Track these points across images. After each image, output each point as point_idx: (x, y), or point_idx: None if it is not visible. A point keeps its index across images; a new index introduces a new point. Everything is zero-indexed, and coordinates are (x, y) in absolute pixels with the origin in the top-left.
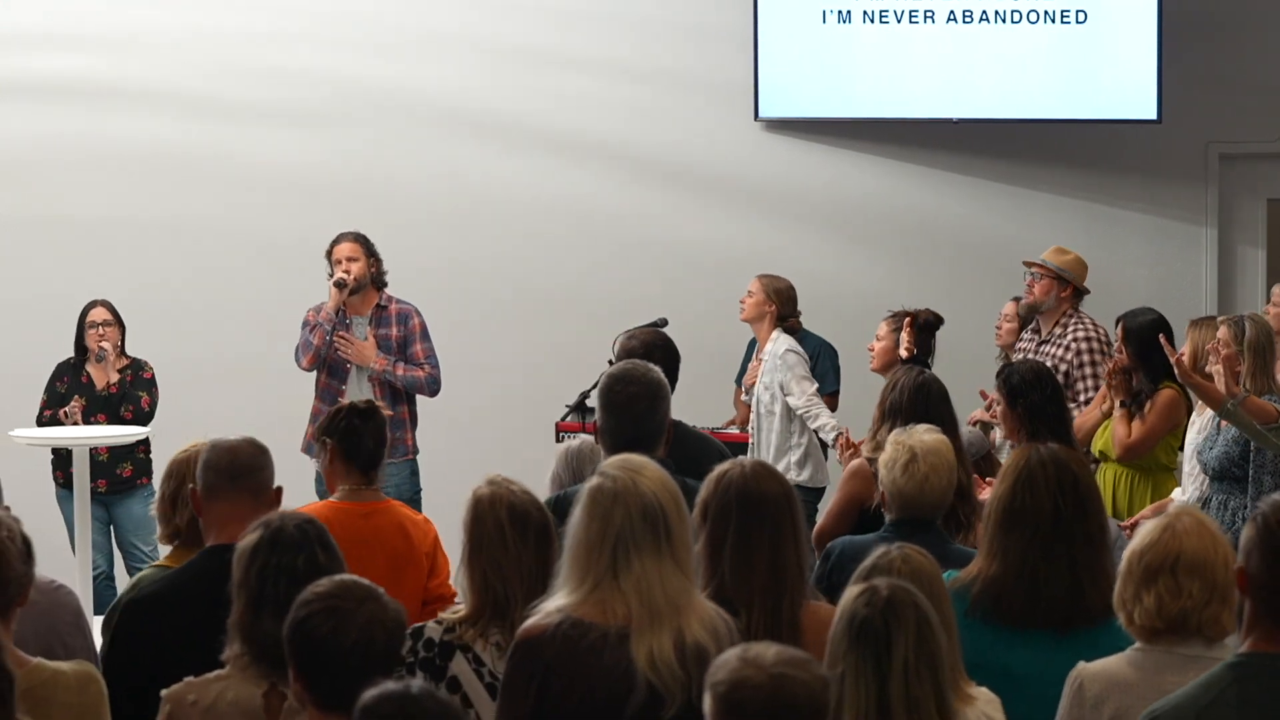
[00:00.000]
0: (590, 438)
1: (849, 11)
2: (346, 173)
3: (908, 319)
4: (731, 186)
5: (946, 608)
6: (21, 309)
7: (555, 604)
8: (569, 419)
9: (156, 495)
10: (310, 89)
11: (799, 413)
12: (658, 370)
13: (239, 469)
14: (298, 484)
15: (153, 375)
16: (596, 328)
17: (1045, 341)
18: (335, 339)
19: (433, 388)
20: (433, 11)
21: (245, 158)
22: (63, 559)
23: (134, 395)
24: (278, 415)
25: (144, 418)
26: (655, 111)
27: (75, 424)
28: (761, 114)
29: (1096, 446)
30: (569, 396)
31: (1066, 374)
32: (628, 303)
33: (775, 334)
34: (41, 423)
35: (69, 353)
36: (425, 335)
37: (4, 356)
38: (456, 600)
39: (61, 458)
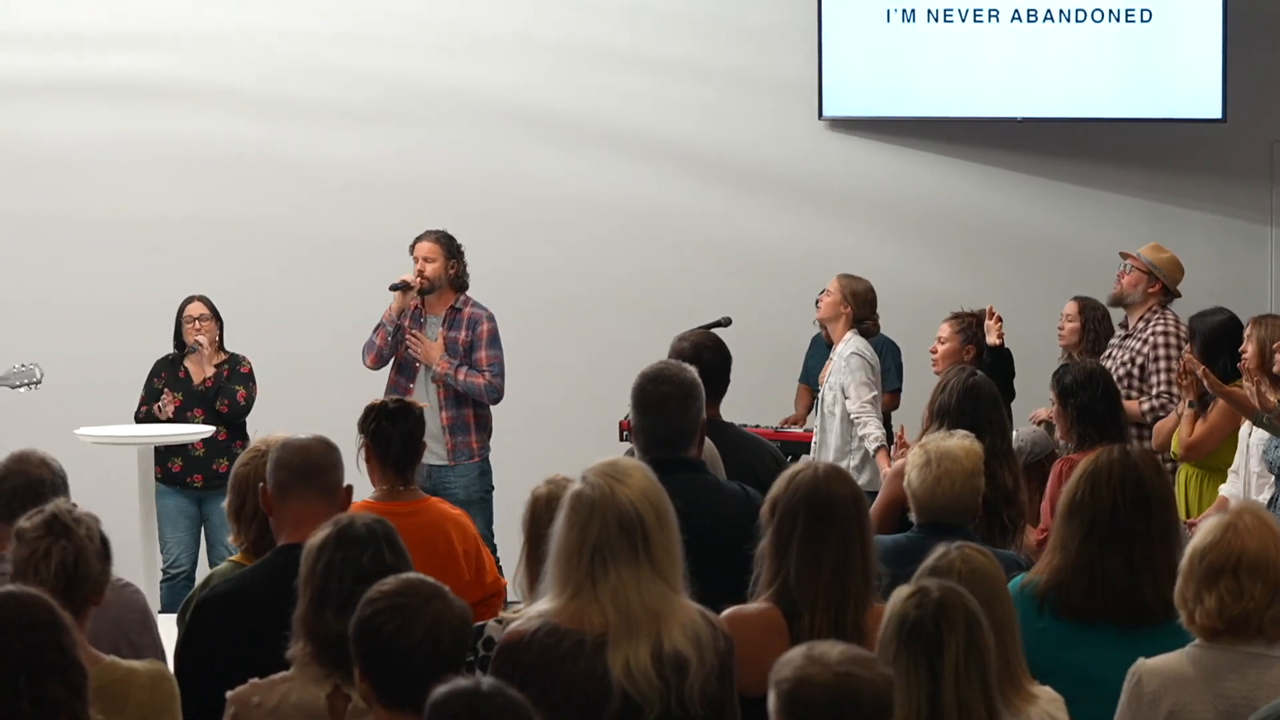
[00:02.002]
0: None
1: (913, 10)
2: (411, 172)
3: (990, 307)
4: (795, 185)
5: (1007, 607)
6: (86, 308)
7: (537, 609)
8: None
9: (225, 502)
10: (375, 88)
11: (851, 417)
12: (691, 370)
13: (311, 468)
14: (363, 482)
15: (250, 370)
16: (660, 326)
17: (1129, 335)
18: (407, 337)
19: (491, 396)
20: (497, 11)
21: (307, 157)
22: (132, 555)
23: (230, 389)
24: (345, 414)
25: (240, 411)
26: (719, 110)
27: (167, 419)
28: (825, 113)
29: (1173, 448)
30: None
31: (1143, 367)
32: (691, 301)
33: (848, 335)
34: (139, 419)
35: (147, 352)
36: (493, 343)
37: (71, 356)
38: (510, 599)
39: (160, 453)
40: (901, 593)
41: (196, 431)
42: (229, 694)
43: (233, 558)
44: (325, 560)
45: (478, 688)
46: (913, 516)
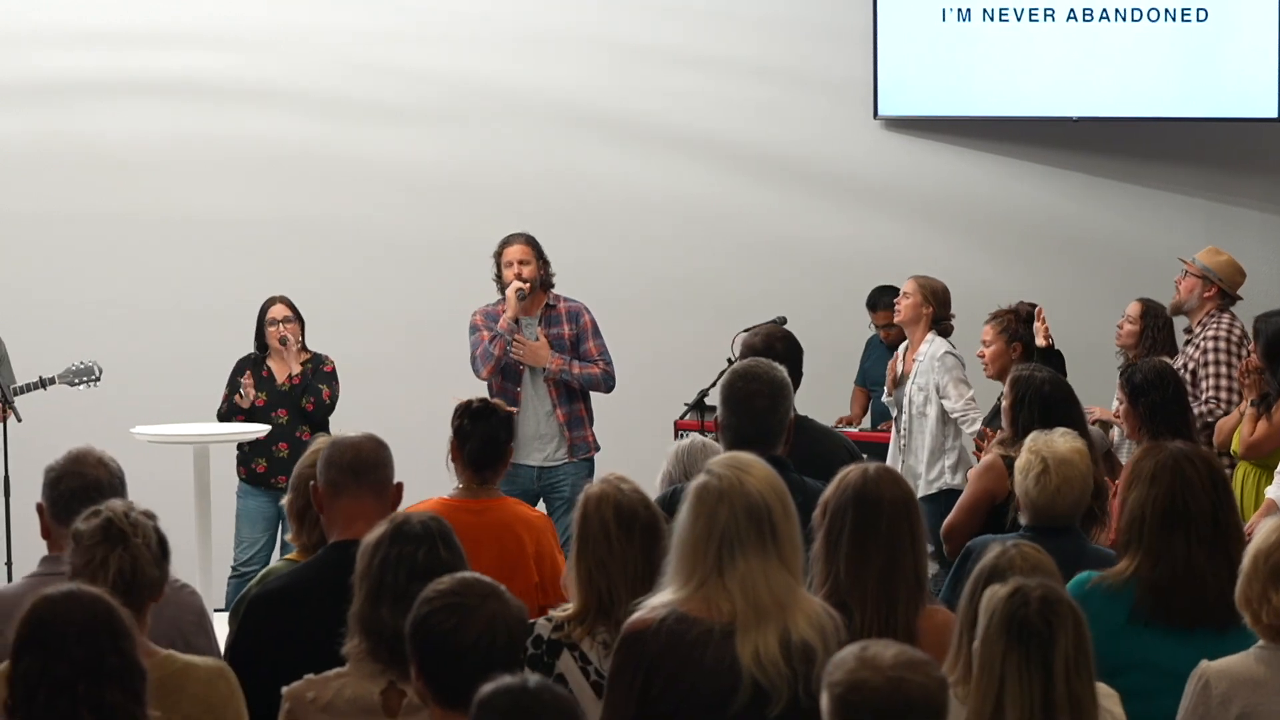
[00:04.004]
0: (699, 436)
1: (969, 10)
2: (470, 172)
3: (1038, 309)
4: (851, 184)
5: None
6: (145, 308)
7: (662, 599)
8: (688, 417)
9: (285, 500)
10: (437, 89)
11: (954, 416)
12: (781, 369)
13: (362, 465)
14: (428, 481)
15: (334, 369)
16: (715, 326)
17: (1189, 341)
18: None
19: (608, 384)
20: (557, 11)
21: (371, 157)
22: (188, 555)
23: (314, 388)
24: (417, 413)
25: (324, 410)
26: (775, 109)
27: (249, 406)
28: (881, 112)
29: (1233, 447)
30: (688, 395)
31: (1194, 372)
32: (747, 301)
33: (930, 336)
34: (221, 417)
35: (206, 350)
36: (597, 332)
37: (129, 355)
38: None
39: (244, 453)
40: (999, 592)
41: (249, 430)
42: (285, 689)
43: (288, 556)
44: (380, 557)
45: (525, 685)
46: (1022, 519)
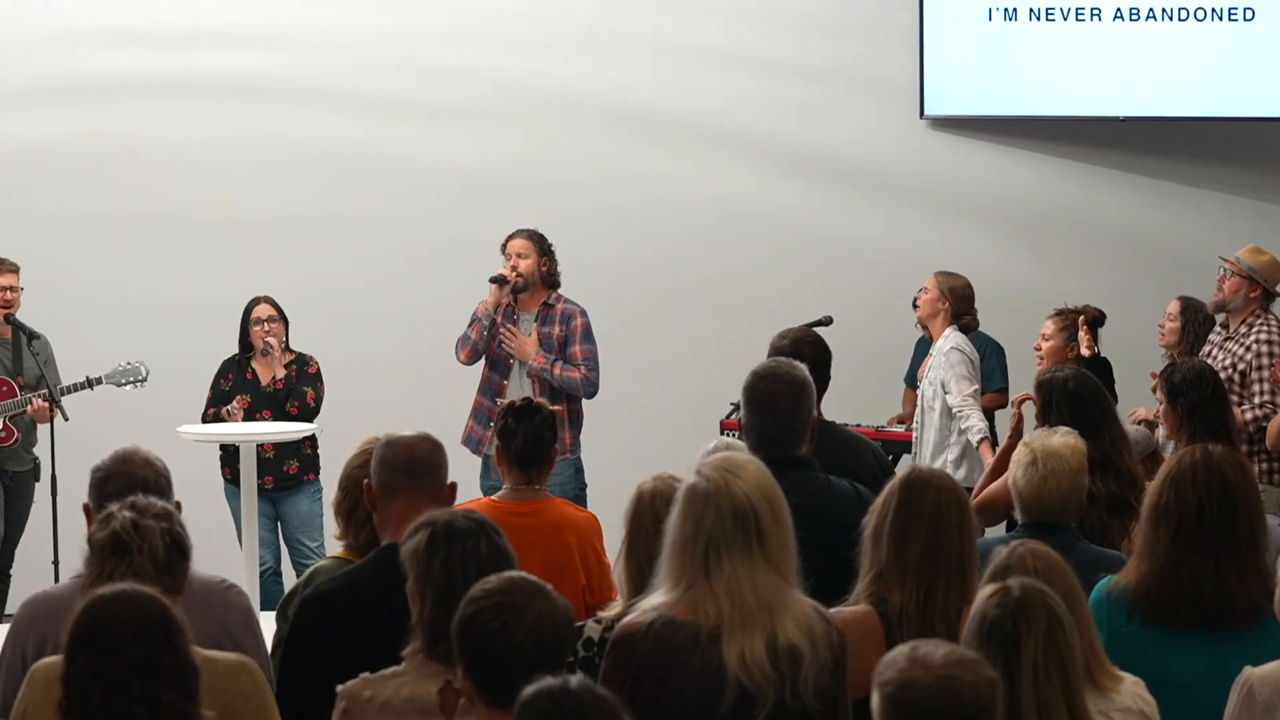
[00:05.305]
0: (723, 438)
1: (1015, 9)
2: (512, 171)
3: (1082, 318)
4: (897, 184)
5: (1081, 603)
6: (189, 308)
7: (651, 603)
8: (733, 417)
9: (333, 501)
10: (477, 87)
11: (953, 411)
12: (802, 368)
13: (416, 466)
14: (458, 479)
15: (319, 370)
16: (761, 325)
17: (1230, 339)
18: (501, 333)
19: (587, 389)
20: (600, 10)
21: (410, 156)
22: (231, 554)
23: (299, 391)
24: (443, 411)
25: (309, 413)
26: (820, 109)
27: (237, 423)
28: (927, 112)
29: None
30: (733, 394)
31: (1244, 373)
32: (792, 300)
33: (948, 331)
34: (205, 420)
35: (235, 350)
36: (587, 337)
37: (174, 355)
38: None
39: (230, 454)
40: (985, 591)
41: (296, 429)
42: (340, 688)
43: (336, 554)
44: (442, 559)
45: (566, 686)
46: (1018, 516)
